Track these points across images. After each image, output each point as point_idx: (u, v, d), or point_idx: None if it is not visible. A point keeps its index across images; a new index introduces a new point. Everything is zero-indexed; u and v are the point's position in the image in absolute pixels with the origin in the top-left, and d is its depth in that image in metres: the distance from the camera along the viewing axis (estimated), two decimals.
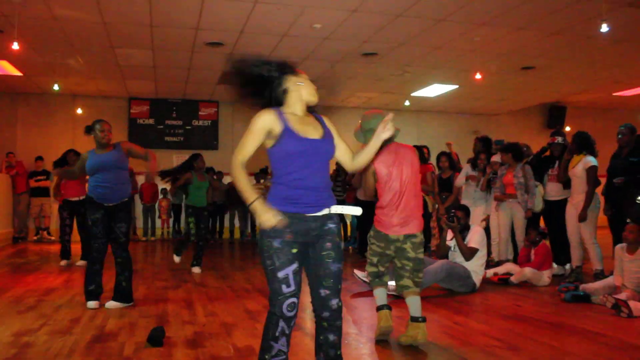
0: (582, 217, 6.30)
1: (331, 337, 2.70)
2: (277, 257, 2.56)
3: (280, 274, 2.56)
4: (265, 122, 2.61)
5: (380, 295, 4.09)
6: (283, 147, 2.59)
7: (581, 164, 6.41)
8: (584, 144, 6.50)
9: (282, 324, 2.58)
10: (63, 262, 7.94)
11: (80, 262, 7.82)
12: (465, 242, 5.97)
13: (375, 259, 4.06)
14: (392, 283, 5.38)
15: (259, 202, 2.53)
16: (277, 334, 2.59)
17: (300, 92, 2.72)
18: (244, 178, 2.60)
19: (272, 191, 2.65)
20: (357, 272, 6.07)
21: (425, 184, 7.84)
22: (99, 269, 5.08)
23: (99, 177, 5.08)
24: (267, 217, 2.51)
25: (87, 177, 5.27)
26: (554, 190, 7.09)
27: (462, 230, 6.10)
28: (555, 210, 6.99)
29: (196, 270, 7.38)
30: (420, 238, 3.94)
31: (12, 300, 5.38)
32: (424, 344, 3.84)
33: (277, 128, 2.60)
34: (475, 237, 5.98)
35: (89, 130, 5.24)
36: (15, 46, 7.98)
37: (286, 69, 2.74)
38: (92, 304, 5.01)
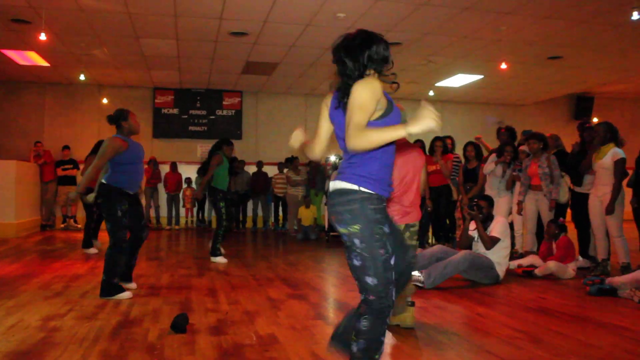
0: (609, 210, 6.18)
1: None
2: (389, 244, 2.41)
3: (392, 261, 2.42)
4: (379, 90, 2.36)
5: None
6: (388, 121, 2.41)
7: (609, 156, 6.28)
8: (611, 134, 6.38)
9: (389, 313, 2.45)
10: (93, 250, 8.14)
11: (90, 250, 8.05)
12: (487, 232, 5.92)
13: None
14: (415, 273, 5.39)
15: (408, 122, 2.25)
16: (386, 327, 2.47)
17: None
18: (375, 131, 2.25)
19: (366, 169, 2.41)
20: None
21: (446, 169, 8.40)
22: (121, 260, 5.05)
23: (133, 167, 5.11)
24: (428, 115, 2.23)
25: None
26: (587, 182, 6.93)
27: (485, 221, 6.05)
28: (585, 202, 6.84)
29: (215, 260, 7.36)
30: (417, 227, 4.17)
31: (40, 286, 5.48)
32: (411, 326, 4.03)
33: (384, 100, 2.42)
34: (497, 227, 5.93)
35: (117, 119, 5.13)
36: (43, 37, 8.11)
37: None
38: (127, 294, 4.95)
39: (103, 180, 5.07)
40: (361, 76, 2.43)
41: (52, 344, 3.52)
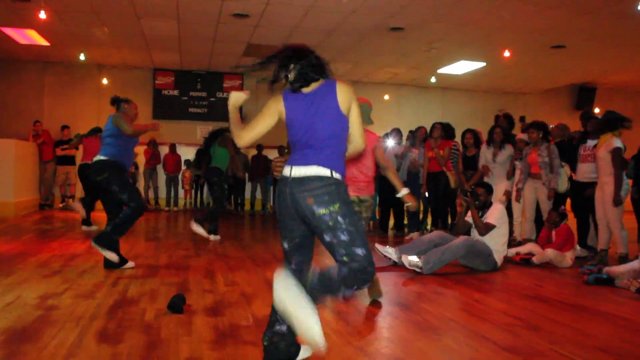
0: (617, 201, 6.10)
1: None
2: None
3: None
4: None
5: None
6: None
7: (604, 146, 6.24)
8: (607, 124, 6.33)
9: (369, 280, 2.60)
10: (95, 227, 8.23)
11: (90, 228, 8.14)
12: (483, 219, 5.92)
13: None
14: (413, 258, 5.40)
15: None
16: (351, 285, 2.55)
17: None
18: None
19: (334, 154, 2.65)
20: (378, 246, 5.96)
21: (440, 157, 8.48)
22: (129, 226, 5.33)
23: (129, 145, 5.39)
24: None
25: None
26: (585, 172, 6.84)
27: (483, 208, 6.05)
28: (583, 192, 6.83)
29: (216, 238, 7.51)
30: (370, 201, 4.54)
31: (38, 264, 5.48)
32: (378, 298, 4.41)
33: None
34: (494, 214, 5.92)
35: (117, 101, 5.55)
36: (42, 15, 8.05)
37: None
38: (113, 255, 5.13)
39: (101, 157, 5.19)
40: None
41: (49, 322, 3.52)
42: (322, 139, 2.63)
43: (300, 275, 2.69)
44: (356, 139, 2.73)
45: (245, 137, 2.78)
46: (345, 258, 2.54)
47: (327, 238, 2.56)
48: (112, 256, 5.07)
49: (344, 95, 2.65)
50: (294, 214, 2.65)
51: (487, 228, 5.86)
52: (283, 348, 2.78)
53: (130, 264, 5.29)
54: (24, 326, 3.42)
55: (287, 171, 2.66)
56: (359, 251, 2.53)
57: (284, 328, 2.76)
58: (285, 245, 2.78)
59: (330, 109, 2.63)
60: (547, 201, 7.01)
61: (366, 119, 4.20)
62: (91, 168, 5.27)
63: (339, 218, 2.53)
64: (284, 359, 2.79)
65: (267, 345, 2.80)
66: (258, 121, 2.77)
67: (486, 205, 6.08)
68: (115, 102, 5.56)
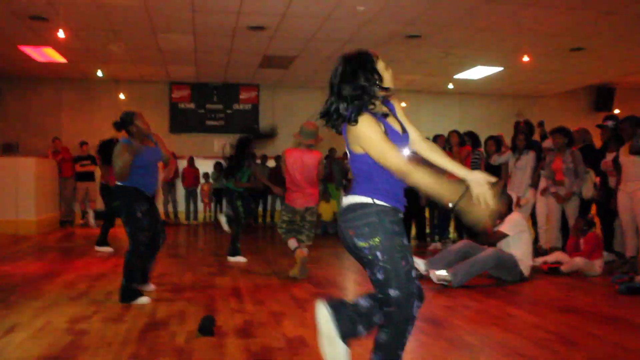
0: None
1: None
2: (409, 256, 2.41)
3: (413, 274, 2.41)
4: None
5: (291, 243, 6.06)
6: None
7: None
8: (637, 128, 6.23)
9: (410, 328, 2.43)
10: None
11: (105, 249, 7.89)
12: (496, 228, 5.88)
13: (284, 225, 6.16)
14: (441, 272, 5.33)
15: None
16: (406, 340, 2.44)
17: None
18: (423, 173, 2.28)
19: (372, 185, 2.43)
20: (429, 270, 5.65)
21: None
22: (141, 264, 4.92)
23: (145, 170, 4.88)
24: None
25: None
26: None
27: (502, 217, 5.99)
28: (609, 196, 6.70)
29: (240, 259, 7.23)
30: (316, 209, 6.15)
31: (64, 285, 5.48)
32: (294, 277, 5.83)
33: (382, 127, 2.42)
34: (507, 223, 5.85)
35: (123, 124, 4.91)
36: (61, 34, 8.08)
37: None
38: (145, 299, 4.78)
39: (118, 183, 4.85)
40: None
41: (81, 347, 3.50)
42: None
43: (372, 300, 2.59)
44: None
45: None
46: (380, 296, 2.42)
47: (367, 272, 2.47)
48: (142, 300, 4.75)
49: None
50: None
51: (496, 237, 5.79)
52: None
53: (144, 299, 4.83)
54: (56, 353, 3.40)
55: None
56: (393, 293, 2.36)
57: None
58: None
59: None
60: (574, 208, 6.89)
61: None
62: (112, 194, 4.98)
63: (377, 253, 2.37)
64: None
65: None
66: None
67: (500, 216, 6.00)
68: (120, 127, 4.93)
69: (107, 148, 7.92)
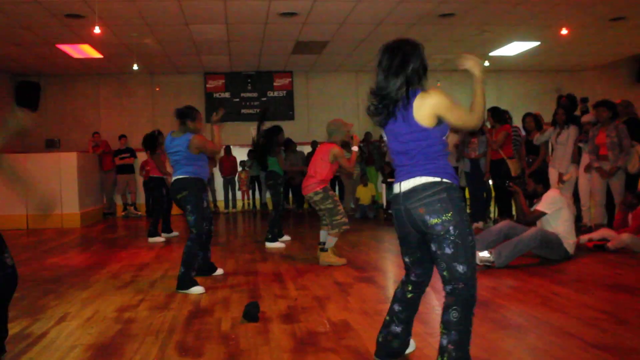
0: None
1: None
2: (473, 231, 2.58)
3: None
4: None
5: (321, 235, 6.08)
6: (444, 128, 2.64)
7: None
8: None
9: (475, 305, 2.57)
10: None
11: (158, 239, 8.02)
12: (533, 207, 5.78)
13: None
14: (484, 254, 5.26)
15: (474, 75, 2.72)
16: (473, 316, 2.57)
17: None
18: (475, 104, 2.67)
19: (436, 164, 2.58)
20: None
21: (493, 142, 8.13)
22: (200, 252, 5.11)
23: (203, 161, 5.11)
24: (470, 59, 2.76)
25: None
26: None
27: (533, 197, 5.92)
28: None
29: (278, 245, 7.25)
30: (320, 196, 5.87)
31: (110, 276, 5.61)
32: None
33: None
34: (543, 201, 5.71)
35: (185, 116, 5.06)
36: (97, 30, 8.20)
37: None
38: (201, 289, 4.80)
39: (181, 176, 4.95)
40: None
41: (129, 335, 3.58)
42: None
43: (420, 286, 2.84)
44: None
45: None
46: (445, 273, 2.52)
47: (432, 247, 2.55)
48: (198, 289, 4.79)
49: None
50: (411, 228, 2.65)
51: (533, 216, 5.70)
52: (396, 346, 2.90)
53: (199, 288, 4.83)
54: (106, 341, 3.48)
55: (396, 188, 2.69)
56: (460, 268, 2.49)
57: (398, 329, 2.87)
58: (407, 260, 2.83)
59: None
60: (620, 183, 6.70)
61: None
62: (171, 187, 5.06)
63: (450, 228, 2.49)
64: (394, 354, 2.93)
65: (381, 341, 2.92)
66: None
67: (536, 195, 5.88)
68: (184, 115, 5.06)
69: (151, 140, 8.12)
